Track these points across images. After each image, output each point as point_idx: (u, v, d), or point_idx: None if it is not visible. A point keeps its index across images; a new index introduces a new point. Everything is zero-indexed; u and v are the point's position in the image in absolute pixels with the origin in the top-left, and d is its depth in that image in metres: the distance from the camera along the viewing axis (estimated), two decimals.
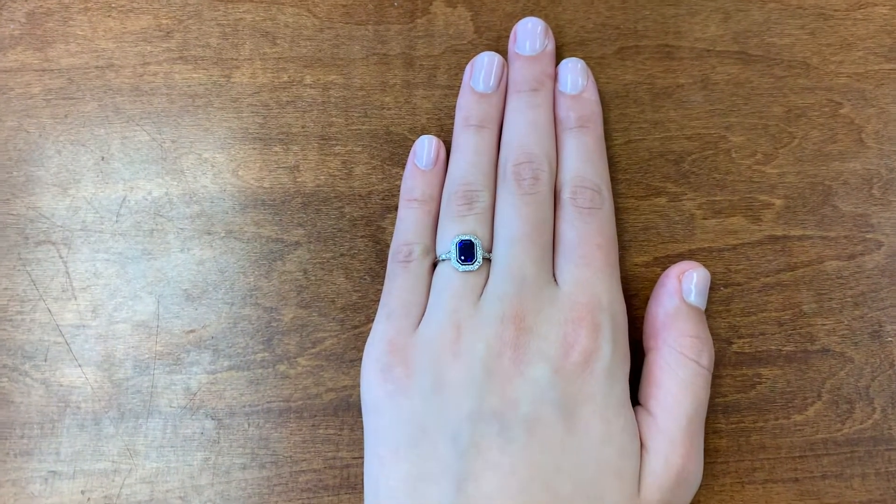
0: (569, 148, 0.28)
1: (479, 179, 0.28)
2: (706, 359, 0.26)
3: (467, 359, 0.24)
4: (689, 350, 0.26)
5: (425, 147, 0.29)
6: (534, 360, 0.24)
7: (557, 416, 0.23)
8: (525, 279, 0.25)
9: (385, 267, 0.29)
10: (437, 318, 0.25)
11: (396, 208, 0.30)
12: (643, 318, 0.27)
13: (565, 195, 0.27)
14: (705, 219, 0.29)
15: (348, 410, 0.29)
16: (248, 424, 0.28)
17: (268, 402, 0.29)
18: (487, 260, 0.26)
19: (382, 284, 0.29)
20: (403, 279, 0.27)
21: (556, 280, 0.26)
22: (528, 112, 0.28)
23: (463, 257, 0.26)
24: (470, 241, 0.26)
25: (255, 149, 0.30)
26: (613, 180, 0.30)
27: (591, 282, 0.25)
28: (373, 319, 0.29)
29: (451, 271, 0.26)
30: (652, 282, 0.29)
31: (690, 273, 0.27)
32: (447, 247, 0.26)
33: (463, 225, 0.26)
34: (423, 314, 0.26)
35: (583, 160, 0.28)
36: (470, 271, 0.26)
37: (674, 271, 0.27)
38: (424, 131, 0.30)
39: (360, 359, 0.29)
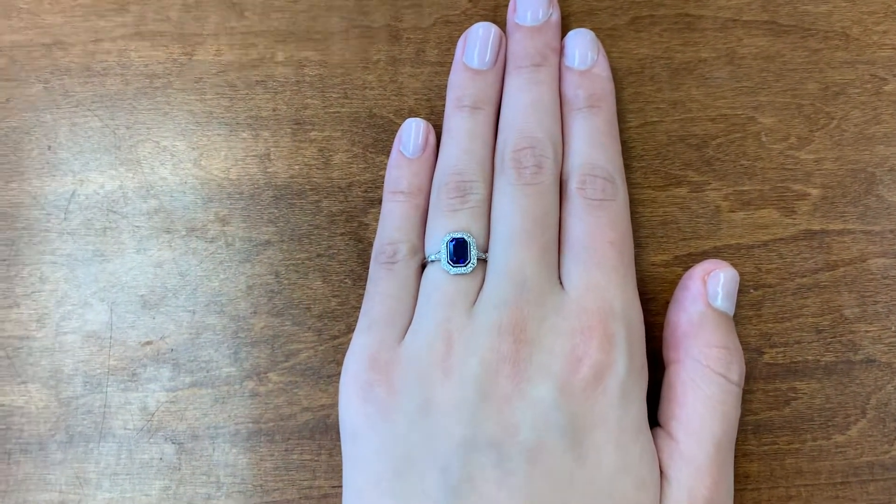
0: (577, 131, 0.25)
1: (473, 168, 0.25)
2: (736, 373, 0.23)
3: (459, 377, 0.22)
4: (716, 363, 0.23)
5: (412, 132, 0.26)
6: (536, 377, 0.21)
7: (564, 443, 0.21)
8: (526, 283, 0.22)
9: (368, 269, 0.26)
10: (425, 328, 0.23)
11: (380, 202, 0.27)
12: (662, 325, 0.25)
13: (573, 185, 0.24)
14: (732, 211, 0.27)
15: (326, 433, 0.25)
16: (213, 449, 0.25)
17: (235, 424, 0.26)
18: (483, 261, 0.24)
19: (363, 289, 0.26)
20: (387, 283, 0.24)
21: (561, 283, 0.23)
22: (529, 90, 0.25)
23: (454, 258, 0.23)
24: (463, 239, 0.23)
25: (220, 135, 0.27)
26: (627, 168, 0.27)
27: (602, 285, 0.22)
28: (353, 329, 0.26)
29: (441, 274, 0.23)
30: (672, 284, 0.26)
31: (717, 273, 0.24)
32: (437, 246, 0.24)
33: (455, 221, 0.24)
34: (409, 323, 0.24)
35: (593, 145, 0.25)
36: (462, 274, 0.23)
37: (697, 272, 0.24)
38: (412, 114, 0.27)
39: (339, 374, 0.26)
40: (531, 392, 0.21)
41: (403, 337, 0.23)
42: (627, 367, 0.22)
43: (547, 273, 0.23)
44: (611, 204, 0.24)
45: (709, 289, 0.24)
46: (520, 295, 0.22)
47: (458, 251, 0.23)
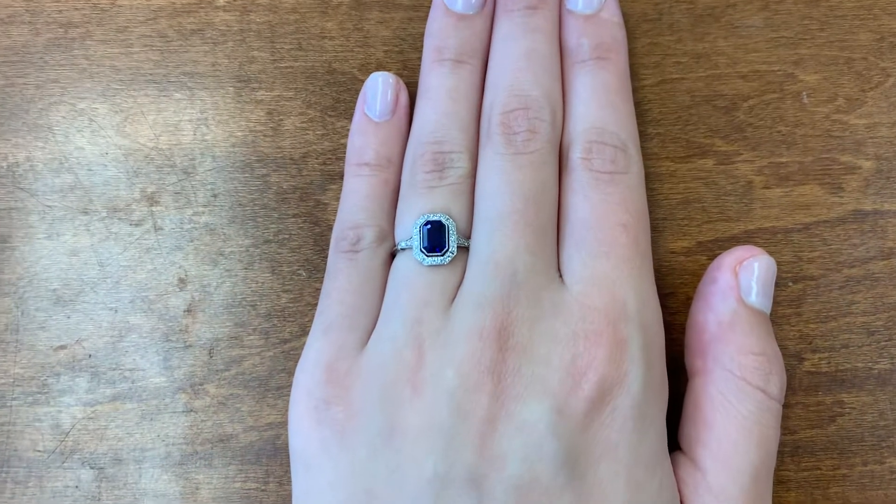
0: (581, 88, 0.21)
1: (454, 136, 0.21)
2: (776, 385, 0.19)
3: (432, 394, 0.18)
4: (752, 374, 0.19)
5: (379, 89, 0.22)
6: (527, 394, 0.18)
7: (561, 478, 0.17)
8: (516, 276, 0.19)
9: (326, 259, 0.22)
10: (392, 332, 0.19)
11: (341, 177, 0.22)
12: (683, 327, 0.21)
13: (575, 155, 0.20)
14: (767, 188, 0.23)
15: (275, 457, 0.21)
16: (140, 475, 0.22)
17: (166, 445, 0.22)
18: (465, 249, 0.20)
19: (320, 282, 0.22)
20: (348, 276, 0.20)
21: (561, 277, 0.19)
22: (522, 39, 0.21)
23: (429, 245, 0.19)
24: (439, 221, 0.19)
25: (148, 96, 0.23)
26: (642, 136, 0.23)
27: (612, 278, 0.19)
28: (308, 331, 0.22)
29: (412, 265, 0.20)
30: (695, 276, 0.23)
31: (751, 263, 0.20)
32: (408, 230, 0.20)
33: (431, 200, 0.20)
34: (374, 323, 0.20)
35: (600, 105, 0.20)
36: (439, 265, 0.19)
37: (728, 261, 0.20)
38: (380, 69, 0.22)
39: (290, 386, 0.21)
40: (521, 414, 0.17)
41: (367, 342, 0.20)
42: (643, 382, 0.18)
43: (542, 264, 0.19)
44: (622, 178, 0.20)
45: (741, 282, 0.20)
46: (508, 291, 0.18)
47: (434, 237, 0.19)
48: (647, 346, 0.19)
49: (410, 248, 0.20)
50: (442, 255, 0.19)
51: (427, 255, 0.19)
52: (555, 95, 0.21)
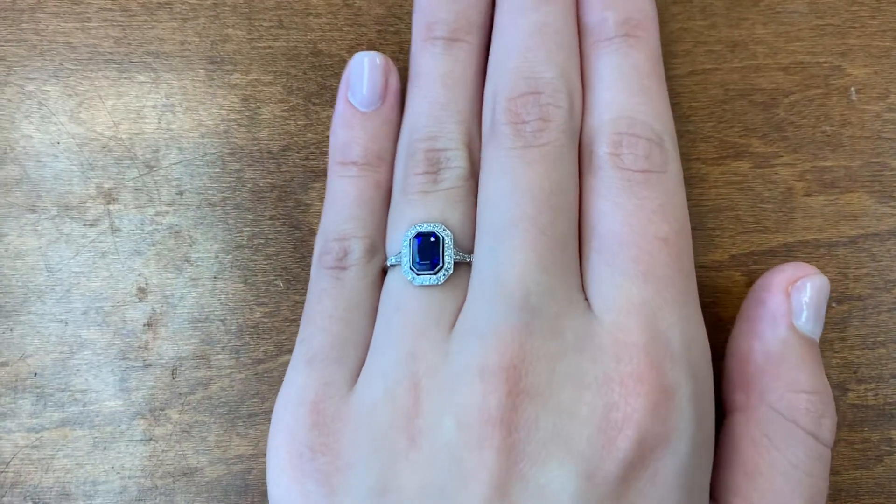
0: (605, 71, 0.18)
1: (450, 130, 0.18)
2: (828, 429, 0.17)
3: (430, 447, 0.15)
4: (804, 417, 0.17)
5: (364, 72, 0.19)
6: (546, 453, 0.15)
7: None
8: (528, 298, 0.16)
9: (308, 269, 0.20)
10: (384, 367, 0.16)
11: (325, 174, 0.19)
12: (715, 353, 0.18)
13: (601, 149, 0.17)
14: (809, 195, 0.21)
15: (245, 493, 0.19)
16: None
17: (121, 478, 0.20)
18: (468, 266, 0.17)
19: (302, 294, 0.19)
20: (334, 300, 0.17)
21: (587, 300, 0.16)
22: (533, 12, 0.18)
23: (420, 261, 0.17)
24: (433, 233, 0.17)
25: (107, 78, 0.21)
26: None
27: (652, 306, 0.16)
28: (286, 351, 0.19)
29: (404, 285, 0.17)
30: (727, 294, 0.20)
31: (804, 283, 0.17)
32: (398, 244, 0.17)
33: (423, 208, 0.17)
34: (365, 354, 0.17)
35: (630, 90, 0.18)
36: (432, 285, 0.17)
37: (778, 281, 0.17)
38: (371, 50, 0.19)
39: (265, 413, 0.19)
40: (538, 479, 0.15)
41: (356, 377, 0.17)
42: (692, 441, 0.15)
43: (562, 284, 0.16)
44: (659, 178, 0.17)
45: (794, 304, 0.17)
46: (518, 318, 0.15)
47: (426, 252, 0.17)
48: (697, 396, 0.16)
49: (400, 264, 0.17)
50: (435, 274, 0.16)
51: (417, 274, 0.16)
52: (572, 77, 0.18)
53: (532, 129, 0.17)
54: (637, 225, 0.16)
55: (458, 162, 0.17)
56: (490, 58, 0.18)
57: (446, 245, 0.17)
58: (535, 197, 0.16)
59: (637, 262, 0.16)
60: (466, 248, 0.17)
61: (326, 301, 0.17)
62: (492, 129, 0.17)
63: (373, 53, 0.19)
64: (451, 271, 0.16)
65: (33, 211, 0.20)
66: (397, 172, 0.18)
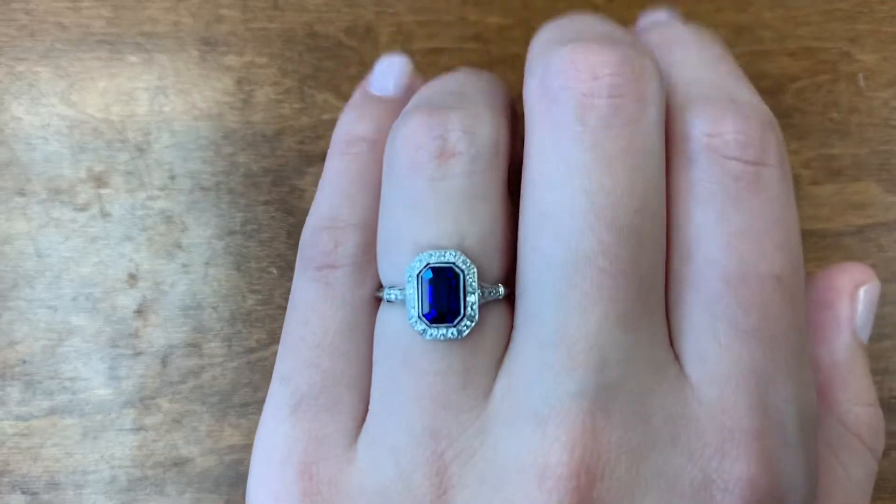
0: (683, 48, 0.14)
1: (465, 93, 0.14)
2: (881, 445, 0.16)
3: None
4: (867, 432, 0.15)
5: (388, 66, 0.16)
6: None
7: None
8: (606, 370, 0.12)
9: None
10: (393, 440, 0.13)
11: (322, 158, 0.19)
12: None
13: (696, 129, 0.13)
14: (816, 184, 0.20)
15: (237, 484, 0.19)
16: (80, 502, 0.19)
17: (111, 468, 0.19)
18: (497, 300, 0.13)
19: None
20: (322, 319, 0.14)
21: (676, 357, 0.13)
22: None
23: (432, 310, 0.12)
24: (449, 269, 0.12)
25: (98, 59, 0.20)
26: None
27: (766, 377, 0.12)
28: (278, 341, 0.19)
29: (410, 336, 0.13)
30: None
31: (869, 287, 0.16)
32: (397, 274, 0.13)
33: (429, 220, 0.13)
34: (367, 396, 0.13)
35: (719, 70, 0.14)
36: (449, 340, 0.12)
37: (844, 283, 0.16)
38: (369, 31, 0.20)
39: (258, 403, 0.19)
40: None
41: (357, 432, 0.13)
42: None
43: (648, 343, 0.12)
44: (772, 180, 0.13)
45: (858, 309, 0.16)
46: (593, 399, 0.12)
47: (440, 296, 0.12)
48: (809, 496, 0.13)
49: (402, 301, 0.13)
50: (454, 326, 0.12)
51: (430, 326, 0.12)
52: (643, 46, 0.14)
53: (607, 105, 0.12)
54: (748, 253, 0.12)
55: (483, 139, 0.13)
56: None
57: (469, 284, 0.12)
58: (617, 219, 0.12)
59: (748, 310, 0.12)
60: (498, 277, 0.13)
61: (313, 321, 0.13)
62: (541, 93, 0.12)
63: (400, 55, 0.17)
64: (475, 321, 0.12)
65: (22, 195, 0.20)
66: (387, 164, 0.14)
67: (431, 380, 0.12)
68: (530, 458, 0.11)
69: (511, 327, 0.13)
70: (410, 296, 0.12)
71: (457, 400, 0.12)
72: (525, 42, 0.20)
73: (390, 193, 0.13)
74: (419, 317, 0.12)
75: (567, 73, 0.12)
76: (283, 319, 0.19)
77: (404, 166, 0.13)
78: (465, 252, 0.12)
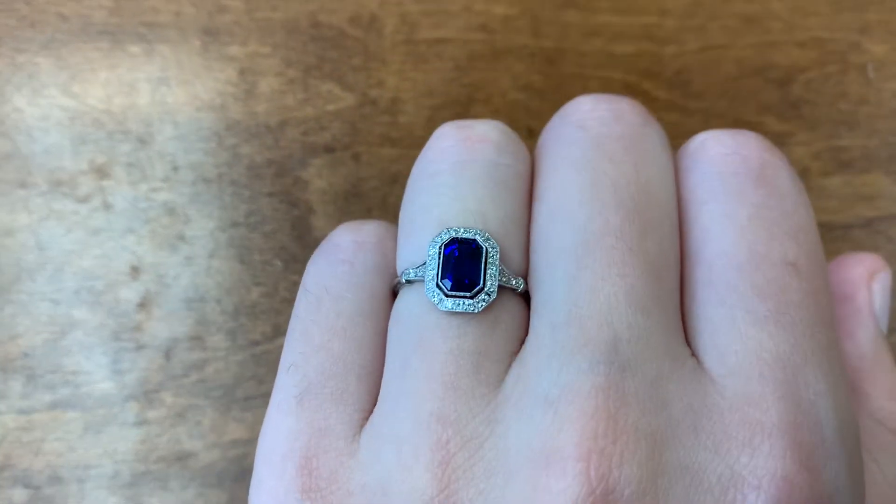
0: None
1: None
2: None
3: None
4: None
5: None
6: None
7: None
8: (618, 348, 0.11)
9: (305, 248, 0.19)
10: (397, 428, 0.12)
11: (326, 149, 0.19)
12: None
13: (700, 137, 0.14)
14: (825, 175, 0.20)
15: (241, 479, 0.19)
16: (83, 496, 0.19)
17: (114, 463, 0.19)
18: (514, 292, 0.13)
19: (299, 274, 0.19)
20: (337, 297, 0.13)
21: (691, 350, 0.12)
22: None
23: (453, 278, 0.12)
24: (473, 241, 0.12)
25: (99, 50, 0.20)
26: (682, 109, 0.19)
27: (790, 364, 0.12)
28: (284, 332, 0.18)
29: (426, 313, 0.12)
30: None
31: (883, 276, 0.15)
32: (419, 251, 0.13)
33: (449, 198, 0.13)
34: (375, 388, 0.13)
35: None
36: (466, 314, 0.12)
37: (859, 273, 0.15)
38: (373, 21, 0.20)
39: (262, 397, 0.18)
40: None
41: (363, 425, 0.12)
42: None
43: (662, 329, 0.12)
44: (779, 172, 0.13)
45: (876, 300, 0.15)
46: (606, 377, 0.11)
47: (462, 266, 0.12)
48: (856, 495, 0.12)
49: (420, 279, 0.12)
50: (472, 298, 0.12)
51: (447, 295, 0.12)
52: None
53: (604, 110, 0.13)
54: (758, 242, 0.12)
55: (509, 132, 0.13)
56: None
57: (490, 259, 0.12)
58: (623, 203, 0.12)
59: (764, 296, 0.12)
60: (518, 268, 0.13)
61: (327, 304, 0.13)
62: (549, 134, 0.14)
63: None
64: (493, 296, 0.12)
65: (24, 186, 0.20)
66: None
67: (443, 359, 0.12)
68: (539, 444, 0.11)
69: (526, 325, 0.12)
70: (431, 266, 0.12)
71: (467, 384, 0.11)
72: (530, 32, 0.20)
73: (415, 180, 0.13)
74: (437, 285, 0.12)
75: (570, 108, 0.13)
76: (288, 313, 0.19)
77: (431, 157, 0.13)
78: (487, 231, 0.12)
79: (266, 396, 0.19)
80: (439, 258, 0.12)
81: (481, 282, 0.12)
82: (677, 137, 0.20)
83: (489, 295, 0.12)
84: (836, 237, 0.20)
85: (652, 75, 0.20)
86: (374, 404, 0.13)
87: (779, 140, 0.20)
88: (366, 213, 0.19)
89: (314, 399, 0.12)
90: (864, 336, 0.15)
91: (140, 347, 0.19)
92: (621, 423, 0.10)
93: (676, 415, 0.11)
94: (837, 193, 0.20)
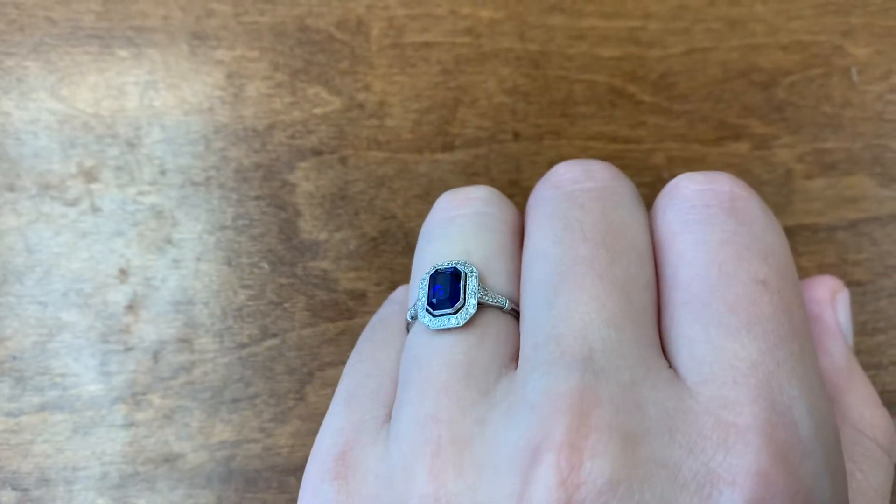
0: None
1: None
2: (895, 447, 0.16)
3: None
4: (882, 435, 0.15)
5: None
6: None
7: None
8: (592, 358, 0.12)
9: (293, 248, 0.19)
10: (399, 429, 0.13)
11: (313, 152, 0.19)
12: None
13: (674, 180, 0.15)
14: (809, 178, 0.20)
15: (229, 480, 0.18)
16: (71, 498, 0.19)
17: (102, 464, 0.19)
18: (502, 311, 0.14)
19: (288, 277, 0.18)
20: (384, 328, 0.16)
21: (672, 368, 0.13)
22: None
23: (437, 299, 0.14)
24: (453, 268, 0.14)
25: (88, 53, 0.20)
26: (666, 112, 0.19)
27: (763, 370, 0.12)
28: (271, 335, 0.19)
29: (423, 339, 0.14)
30: None
31: (844, 296, 0.16)
32: (415, 290, 0.15)
33: (448, 246, 0.15)
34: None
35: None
36: (452, 329, 0.14)
37: (822, 293, 0.16)
38: (362, 27, 0.19)
39: (249, 399, 0.19)
40: None
41: (388, 423, 0.14)
42: None
43: (635, 343, 0.13)
44: (748, 206, 0.14)
45: (840, 318, 0.16)
46: (580, 381, 0.12)
47: (444, 289, 0.14)
48: (837, 496, 0.12)
49: (416, 311, 0.14)
50: (455, 313, 0.13)
51: (434, 315, 0.14)
52: None
53: (581, 171, 0.15)
54: (729, 263, 0.13)
55: (497, 194, 0.15)
56: None
57: (469, 280, 0.14)
58: (589, 238, 0.13)
59: (735, 310, 0.12)
60: (507, 292, 0.14)
61: (380, 331, 0.16)
62: (532, 197, 0.15)
63: None
64: (473, 311, 0.13)
65: (12, 190, 0.20)
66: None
67: (436, 371, 0.13)
68: (524, 442, 0.11)
69: (518, 345, 0.14)
70: (421, 296, 0.14)
71: (459, 389, 0.13)
72: (516, 36, 0.20)
73: (419, 240, 0.16)
74: (426, 309, 0.14)
75: (550, 173, 0.15)
76: (274, 314, 0.19)
77: (431, 220, 0.15)
78: (469, 262, 0.14)
79: (253, 398, 0.19)
80: (427, 287, 0.14)
81: (462, 299, 0.13)
82: (662, 140, 0.20)
83: (470, 308, 0.13)
84: (820, 239, 0.20)
85: (637, 78, 0.20)
86: None
87: (763, 142, 0.20)
88: (353, 216, 0.19)
89: (356, 399, 0.14)
90: (837, 351, 0.16)
91: (128, 350, 0.19)
92: (594, 421, 0.11)
93: (651, 416, 0.11)
94: (821, 196, 0.20)
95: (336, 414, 0.14)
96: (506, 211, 0.15)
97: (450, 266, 0.14)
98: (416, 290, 0.15)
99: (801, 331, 0.13)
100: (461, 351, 0.13)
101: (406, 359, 0.14)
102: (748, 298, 0.12)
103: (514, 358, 0.13)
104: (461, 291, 0.14)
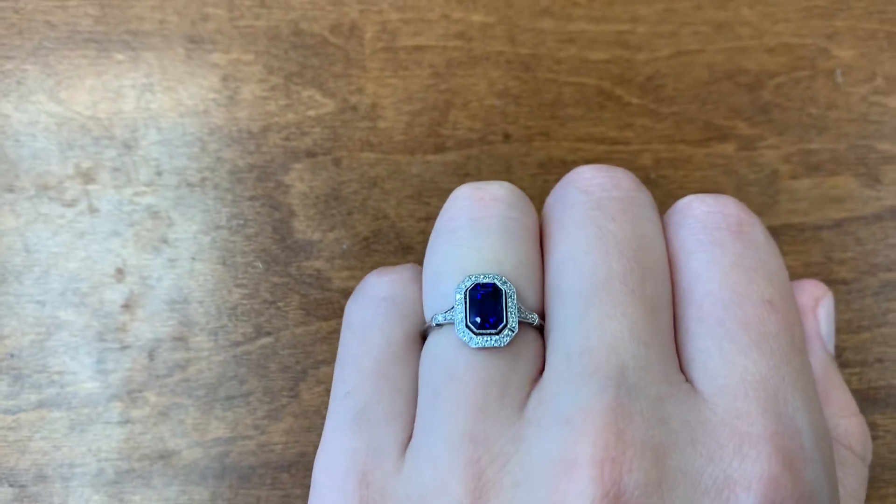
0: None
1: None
2: (870, 453, 0.16)
3: None
4: (857, 442, 0.16)
5: None
6: None
7: None
8: (625, 374, 0.13)
9: (287, 248, 0.19)
10: (432, 448, 0.13)
11: (307, 154, 0.19)
12: None
13: (684, 201, 0.16)
14: (795, 178, 0.20)
15: (223, 476, 0.19)
16: (67, 494, 0.19)
17: (98, 461, 0.19)
18: (530, 326, 0.14)
19: (281, 276, 0.19)
20: (385, 331, 0.15)
21: (689, 381, 0.14)
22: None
23: (479, 318, 0.14)
24: (492, 285, 0.14)
25: (85, 57, 0.20)
26: (653, 114, 0.20)
27: (773, 385, 0.13)
28: (265, 333, 0.19)
29: (456, 351, 0.14)
30: None
31: (826, 302, 0.17)
32: (446, 298, 0.14)
33: (472, 248, 0.15)
34: (415, 410, 0.15)
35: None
36: (493, 349, 0.14)
37: (805, 301, 0.17)
38: (354, 29, 0.20)
39: (243, 396, 0.19)
40: None
41: (408, 444, 0.14)
42: None
43: (660, 359, 0.13)
44: (754, 231, 0.15)
45: (821, 325, 0.16)
46: (614, 398, 0.12)
47: (486, 306, 0.14)
48: (833, 501, 0.13)
49: (450, 322, 0.14)
50: (498, 334, 0.13)
51: (476, 334, 0.13)
52: None
53: (601, 185, 0.15)
54: (740, 284, 0.14)
55: (519, 192, 0.15)
56: None
57: (510, 299, 0.14)
58: (623, 253, 0.14)
59: (747, 328, 0.13)
60: (529, 304, 0.14)
61: (376, 337, 0.15)
62: (555, 197, 0.15)
63: None
64: (516, 331, 0.13)
65: (11, 191, 0.20)
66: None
67: (473, 389, 0.13)
68: (559, 455, 0.12)
69: (543, 357, 0.14)
70: (459, 309, 0.14)
71: (495, 409, 0.13)
72: (507, 39, 0.21)
73: (437, 235, 0.15)
74: (467, 326, 0.14)
75: (573, 176, 0.15)
76: (268, 313, 0.19)
77: (450, 215, 0.15)
78: (503, 275, 0.14)
79: (247, 396, 0.19)
80: (466, 302, 0.14)
81: (504, 319, 0.14)
82: (650, 141, 0.21)
83: (512, 330, 0.14)
84: (806, 238, 0.20)
85: (624, 81, 0.20)
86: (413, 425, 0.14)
87: (749, 143, 0.20)
88: (346, 216, 0.20)
89: (370, 419, 0.14)
90: (815, 360, 0.16)
91: (124, 348, 0.19)
92: (629, 437, 0.12)
93: (675, 429, 0.12)
94: (807, 196, 0.20)
95: (346, 433, 0.14)
96: (529, 215, 0.15)
97: (489, 281, 0.14)
98: (442, 297, 0.14)
99: (801, 346, 0.14)
100: (498, 369, 0.13)
101: (433, 372, 0.14)
102: (757, 317, 0.13)
103: (540, 370, 0.14)
104: (504, 311, 0.14)
